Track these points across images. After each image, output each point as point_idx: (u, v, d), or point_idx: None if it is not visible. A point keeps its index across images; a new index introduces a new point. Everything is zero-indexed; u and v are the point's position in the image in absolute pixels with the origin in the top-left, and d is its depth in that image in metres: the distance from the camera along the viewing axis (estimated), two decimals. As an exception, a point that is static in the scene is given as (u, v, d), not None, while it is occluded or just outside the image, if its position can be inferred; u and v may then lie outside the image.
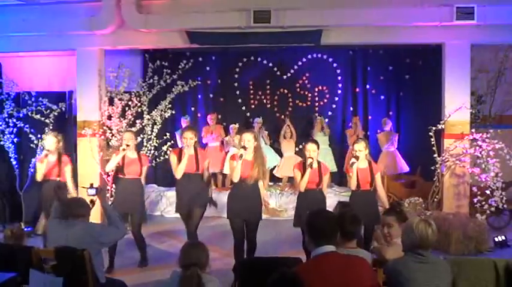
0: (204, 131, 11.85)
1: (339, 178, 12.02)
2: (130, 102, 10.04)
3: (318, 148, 6.99)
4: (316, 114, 12.10)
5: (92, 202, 5.57)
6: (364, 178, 6.82)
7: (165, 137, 10.31)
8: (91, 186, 5.64)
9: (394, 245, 4.71)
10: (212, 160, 11.59)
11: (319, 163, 6.98)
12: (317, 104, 12.41)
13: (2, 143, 9.92)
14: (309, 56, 12.33)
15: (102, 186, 5.75)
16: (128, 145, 7.37)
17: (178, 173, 7.16)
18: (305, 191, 6.88)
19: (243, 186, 6.81)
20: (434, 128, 9.26)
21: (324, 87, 12.39)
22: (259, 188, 6.92)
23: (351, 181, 6.86)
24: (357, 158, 6.81)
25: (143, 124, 9.99)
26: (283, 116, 12.39)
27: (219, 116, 12.17)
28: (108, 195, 9.10)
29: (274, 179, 11.62)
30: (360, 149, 6.86)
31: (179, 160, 7.15)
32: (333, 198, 9.22)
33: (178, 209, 7.46)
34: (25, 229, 9.21)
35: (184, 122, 11.67)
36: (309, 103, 12.41)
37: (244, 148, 6.76)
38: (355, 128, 11.61)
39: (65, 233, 4.78)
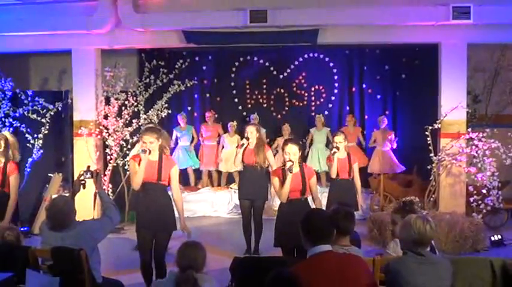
0: (202, 129, 11.87)
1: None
2: (126, 102, 10.02)
3: (300, 150, 6.15)
4: (313, 113, 12.11)
5: (83, 185, 5.39)
6: (343, 168, 7.55)
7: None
8: (87, 169, 5.45)
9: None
10: (208, 158, 11.74)
11: (301, 165, 6.18)
12: (313, 103, 12.40)
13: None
14: (306, 56, 12.32)
15: (98, 170, 5.51)
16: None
17: (135, 184, 5.99)
18: (287, 201, 6.09)
19: (249, 171, 7.94)
20: (430, 127, 9.27)
21: (321, 87, 12.38)
22: (267, 172, 7.98)
23: (332, 169, 7.56)
24: (338, 148, 7.47)
25: (140, 124, 9.96)
26: (279, 116, 12.41)
27: (216, 115, 12.16)
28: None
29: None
30: (340, 140, 7.53)
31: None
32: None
33: (141, 228, 6.04)
34: (21, 229, 9.23)
35: (181, 119, 11.65)
36: (305, 102, 12.40)
37: (247, 138, 7.84)
38: (350, 126, 11.60)
39: (59, 235, 4.76)
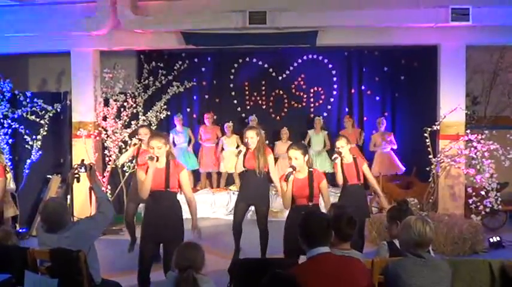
0: (201, 130, 11.86)
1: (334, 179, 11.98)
2: (125, 103, 10.02)
3: (304, 154, 5.84)
4: (312, 115, 12.12)
5: (77, 178, 5.40)
6: (351, 173, 6.98)
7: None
8: (82, 162, 5.43)
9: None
10: (207, 160, 11.74)
11: (310, 170, 5.92)
12: (312, 105, 12.40)
13: (-4, 144, 9.89)
14: (305, 57, 12.31)
15: (93, 164, 5.49)
16: (141, 139, 7.83)
17: (143, 193, 5.77)
18: (294, 208, 5.84)
19: (251, 176, 7.42)
20: (429, 129, 9.26)
21: (320, 88, 12.37)
22: (271, 176, 7.50)
23: (337, 176, 7.02)
24: (340, 153, 6.93)
25: (138, 125, 9.95)
26: (278, 117, 12.40)
27: (215, 117, 12.14)
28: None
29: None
30: (342, 145, 6.97)
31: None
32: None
33: (147, 238, 5.87)
34: (21, 230, 9.24)
35: (177, 120, 11.63)
36: (304, 104, 12.39)
37: (246, 144, 7.45)
38: (349, 128, 11.59)
39: (55, 237, 4.75)
